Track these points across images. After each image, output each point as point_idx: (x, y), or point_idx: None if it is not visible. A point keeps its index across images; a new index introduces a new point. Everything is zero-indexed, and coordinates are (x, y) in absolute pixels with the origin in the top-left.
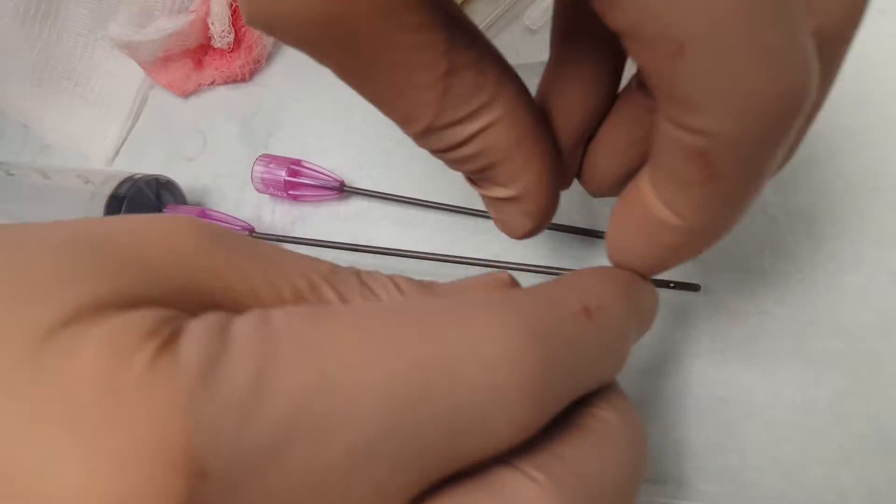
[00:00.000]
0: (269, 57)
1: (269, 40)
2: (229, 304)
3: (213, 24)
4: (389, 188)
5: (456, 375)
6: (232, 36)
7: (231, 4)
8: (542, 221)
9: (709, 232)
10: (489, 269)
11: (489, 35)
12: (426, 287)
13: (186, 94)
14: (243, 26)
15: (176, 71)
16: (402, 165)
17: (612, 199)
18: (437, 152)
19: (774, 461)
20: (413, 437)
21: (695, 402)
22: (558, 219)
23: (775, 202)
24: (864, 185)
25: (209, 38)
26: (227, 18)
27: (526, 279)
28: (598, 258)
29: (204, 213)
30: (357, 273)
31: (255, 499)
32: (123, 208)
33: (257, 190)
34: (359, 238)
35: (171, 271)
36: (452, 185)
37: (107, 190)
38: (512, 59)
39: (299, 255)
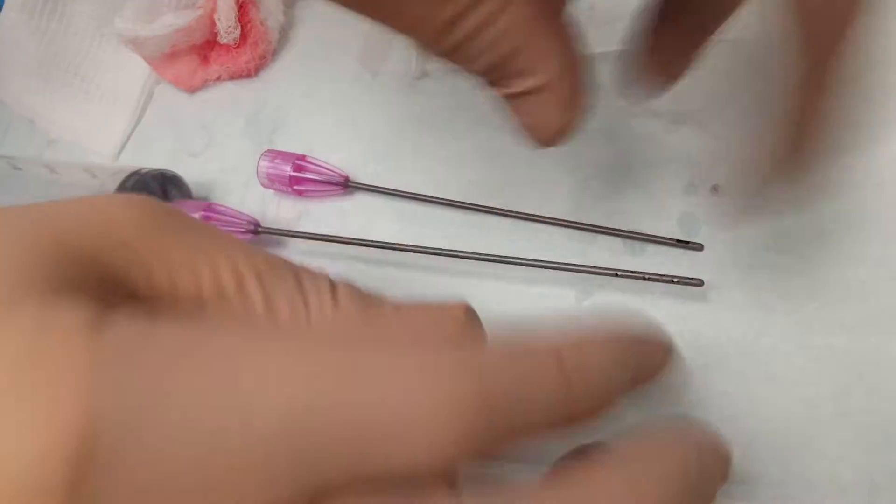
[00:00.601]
0: (275, 53)
1: (274, 36)
2: (148, 292)
3: (219, 19)
4: (394, 184)
5: (367, 394)
6: (238, 32)
7: (237, 0)
8: (575, 112)
9: None
10: (493, 263)
11: None
12: (369, 303)
13: (192, 90)
14: (249, 22)
15: (182, 66)
16: (407, 161)
17: (616, 196)
18: (456, 53)
19: (776, 455)
20: (313, 443)
21: (696, 396)
22: (563, 215)
23: (780, 197)
24: (869, 181)
25: (215, 34)
26: (233, 14)
27: (530, 274)
28: (601, 253)
29: (210, 208)
30: (297, 274)
31: (144, 469)
32: None
33: (262, 185)
34: (363, 233)
35: (100, 258)
36: (458, 181)
37: (113, 184)
38: None
39: (241, 245)
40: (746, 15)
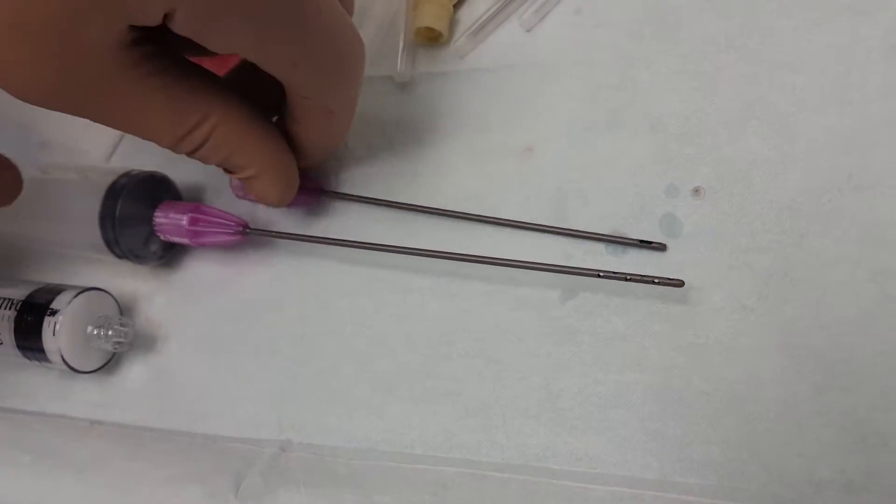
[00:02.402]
0: None
1: None
2: None
3: None
4: (379, 187)
5: None
6: None
7: None
8: (285, 189)
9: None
10: (478, 265)
11: (483, 34)
12: None
13: None
14: None
15: None
16: (392, 165)
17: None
18: (194, 155)
19: (755, 454)
20: None
21: (675, 394)
22: (547, 218)
23: (759, 200)
24: (847, 184)
25: None
26: None
27: (515, 275)
28: (584, 256)
29: (198, 209)
30: None
31: None
32: (121, 200)
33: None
34: (350, 235)
35: None
36: (442, 185)
37: (104, 184)
38: (506, 59)
39: None
40: None
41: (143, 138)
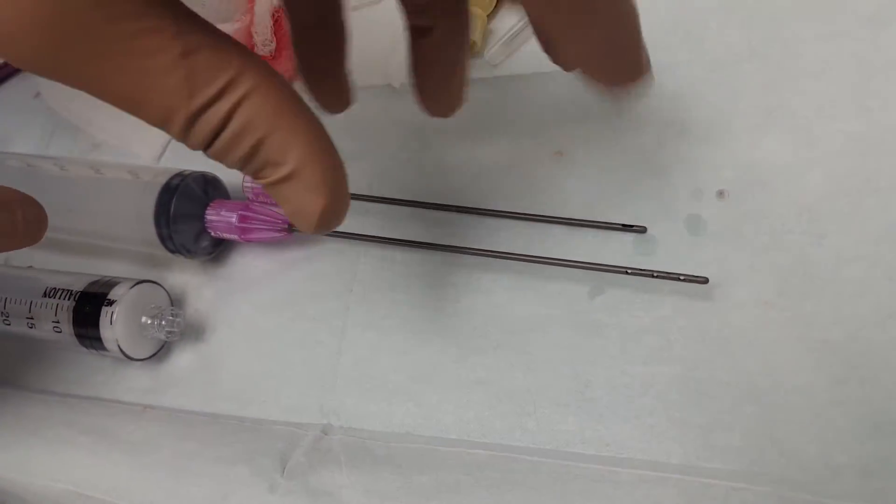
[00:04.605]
0: None
1: None
2: None
3: (256, 32)
4: (418, 188)
5: None
6: (273, 44)
7: (273, 15)
8: (332, 196)
9: None
10: (511, 261)
11: (516, 44)
12: None
13: None
14: (285, 35)
15: None
16: (430, 167)
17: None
18: (208, 145)
19: (774, 440)
20: None
21: (699, 385)
22: (579, 217)
23: (780, 202)
24: (866, 186)
25: (252, 46)
26: (269, 28)
27: (546, 271)
28: (613, 254)
29: (247, 207)
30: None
31: None
32: (175, 198)
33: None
34: (388, 233)
35: None
36: (478, 187)
37: (158, 184)
38: (538, 67)
39: None
40: None
41: (148, 118)
